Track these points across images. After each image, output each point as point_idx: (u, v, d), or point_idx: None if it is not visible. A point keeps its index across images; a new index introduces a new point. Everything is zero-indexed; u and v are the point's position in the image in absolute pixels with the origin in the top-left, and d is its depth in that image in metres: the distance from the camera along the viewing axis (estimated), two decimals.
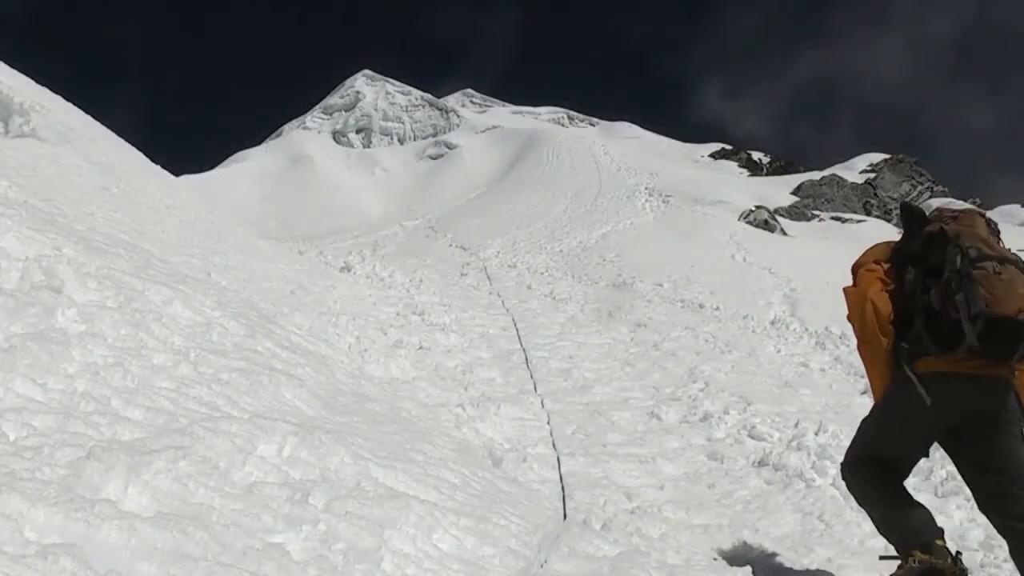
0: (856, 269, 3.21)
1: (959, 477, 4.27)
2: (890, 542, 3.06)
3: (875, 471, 3.09)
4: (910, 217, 3.17)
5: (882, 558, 3.14)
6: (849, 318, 3.14)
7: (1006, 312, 2.73)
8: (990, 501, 2.95)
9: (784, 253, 19.76)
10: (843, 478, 3.27)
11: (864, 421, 3.22)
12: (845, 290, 3.18)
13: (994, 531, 3.68)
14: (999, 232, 3.07)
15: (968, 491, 4.07)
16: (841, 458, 3.43)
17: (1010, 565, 3.41)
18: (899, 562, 2.95)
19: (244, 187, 55.29)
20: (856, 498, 3.24)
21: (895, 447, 3.06)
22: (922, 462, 4.48)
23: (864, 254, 3.25)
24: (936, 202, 53.95)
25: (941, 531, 2.97)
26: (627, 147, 53.14)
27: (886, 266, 3.11)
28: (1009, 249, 3.00)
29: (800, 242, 24.92)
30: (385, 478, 3.06)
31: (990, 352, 2.78)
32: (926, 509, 3.04)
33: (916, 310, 2.91)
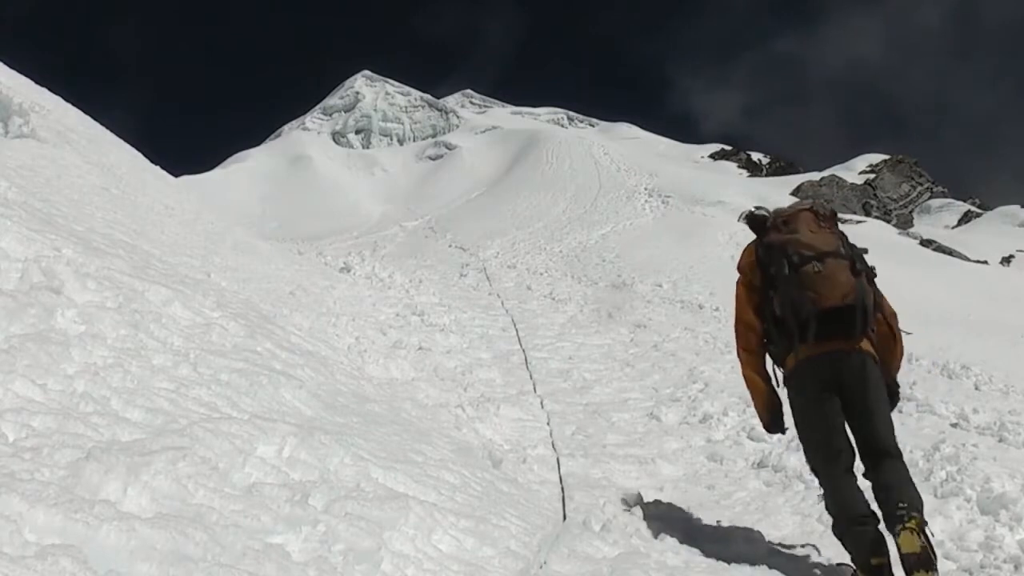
0: (738, 271, 3.70)
1: (959, 478, 4.29)
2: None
3: (831, 478, 3.36)
4: (753, 226, 3.67)
5: (839, 565, 3.45)
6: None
7: (831, 303, 3.28)
8: (855, 436, 3.37)
9: None
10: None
11: (798, 434, 3.58)
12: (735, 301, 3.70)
13: (994, 531, 3.70)
14: (833, 217, 3.59)
15: (968, 492, 4.10)
16: None
17: (1010, 566, 3.42)
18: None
19: (243, 188, 55.25)
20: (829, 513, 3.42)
21: (823, 435, 3.40)
22: (922, 463, 4.51)
23: (741, 256, 3.72)
24: (937, 202, 53.98)
25: (876, 550, 3.12)
26: (627, 148, 53.10)
27: (750, 274, 3.61)
28: (838, 236, 3.47)
29: None
30: (385, 479, 3.06)
31: (835, 334, 3.30)
32: (873, 528, 3.19)
33: (768, 320, 3.50)
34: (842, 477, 3.33)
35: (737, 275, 3.73)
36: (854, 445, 3.39)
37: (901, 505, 3.07)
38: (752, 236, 3.72)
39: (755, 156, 61.10)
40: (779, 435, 3.86)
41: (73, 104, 13.15)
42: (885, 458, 3.30)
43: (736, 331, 3.69)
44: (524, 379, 7.23)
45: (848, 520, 3.23)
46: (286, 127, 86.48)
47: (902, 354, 3.58)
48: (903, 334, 3.56)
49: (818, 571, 3.53)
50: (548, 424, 5.81)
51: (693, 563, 3.38)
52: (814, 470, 3.50)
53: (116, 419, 2.56)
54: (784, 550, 3.73)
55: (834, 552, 3.66)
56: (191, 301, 4.42)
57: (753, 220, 3.68)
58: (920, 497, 3.19)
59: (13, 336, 2.81)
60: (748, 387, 3.70)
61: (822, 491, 3.47)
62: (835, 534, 3.34)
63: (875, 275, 3.47)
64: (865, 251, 3.52)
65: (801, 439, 3.55)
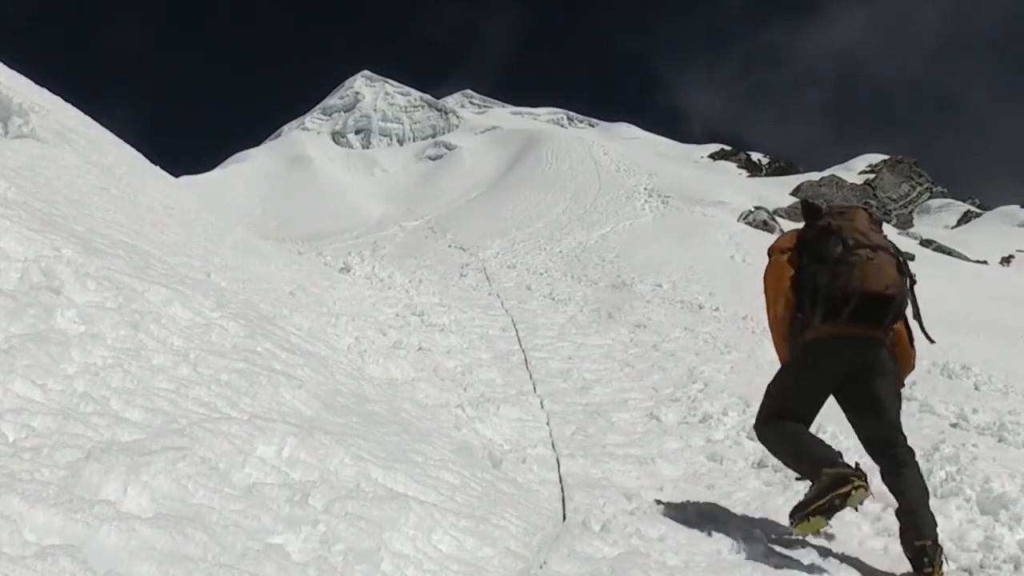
0: (771, 253, 3.86)
1: (959, 478, 4.30)
2: (803, 474, 3.64)
3: (783, 421, 3.66)
4: (808, 211, 3.86)
5: (798, 479, 3.77)
6: (764, 292, 3.83)
7: (875, 288, 3.44)
8: (861, 432, 3.64)
9: None
10: (757, 436, 3.85)
11: (770, 384, 3.83)
12: (765, 275, 3.84)
13: (994, 531, 3.71)
14: (881, 223, 3.80)
15: (968, 492, 4.11)
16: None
17: (1010, 566, 3.42)
18: (810, 483, 3.53)
19: (243, 188, 55.25)
20: (770, 449, 3.79)
21: (799, 400, 3.68)
22: (922, 463, 4.52)
23: (777, 240, 3.89)
24: (937, 202, 54.01)
25: (840, 453, 3.53)
26: (626, 148, 53.10)
27: (789, 253, 3.76)
28: (888, 240, 3.66)
29: None
30: (385, 479, 3.06)
31: (865, 319, 3.47)
32: (826, 444, 3.61)
33: (806, 289, 3.61)
34: (784, 422, 3.62)
35: (767, 256, 3.87)
36: (856, 440, 3.64)
37: (921, 544, 3.31)
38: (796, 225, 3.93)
39: (755, 156, 61.11)
40: None
41: (73, 104, 13.16)
42: (899, 462, 3.50)
43: (766, 300, 3.81)
44: (524, 379, 7.23)
45: (782, 422, 3.58)
46: (286, 127, 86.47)
47: (913, 363, 3.77)
48: (929, 341, 3.72)
49: (818, 571, 3.53)
50: (548, 424, 5.80)
51: (693, 563, 3.38)
52: (760, 418, 3.73)
53: (116, 419, 2.56)
54: (784, 550, 3.73)
55: (834, 552, 3.67)
56: (191, 301, 4.42)
57: (808, 207, 3.89)
58: (935, 520, 3.40)
59: (13, 336, 2.81)
60: (778, 352, 3.86)
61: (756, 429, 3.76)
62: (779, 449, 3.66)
63: (915, 282, 3.64)
64: (911, 257, 3.72)
65: (771, 388, 3.76)
